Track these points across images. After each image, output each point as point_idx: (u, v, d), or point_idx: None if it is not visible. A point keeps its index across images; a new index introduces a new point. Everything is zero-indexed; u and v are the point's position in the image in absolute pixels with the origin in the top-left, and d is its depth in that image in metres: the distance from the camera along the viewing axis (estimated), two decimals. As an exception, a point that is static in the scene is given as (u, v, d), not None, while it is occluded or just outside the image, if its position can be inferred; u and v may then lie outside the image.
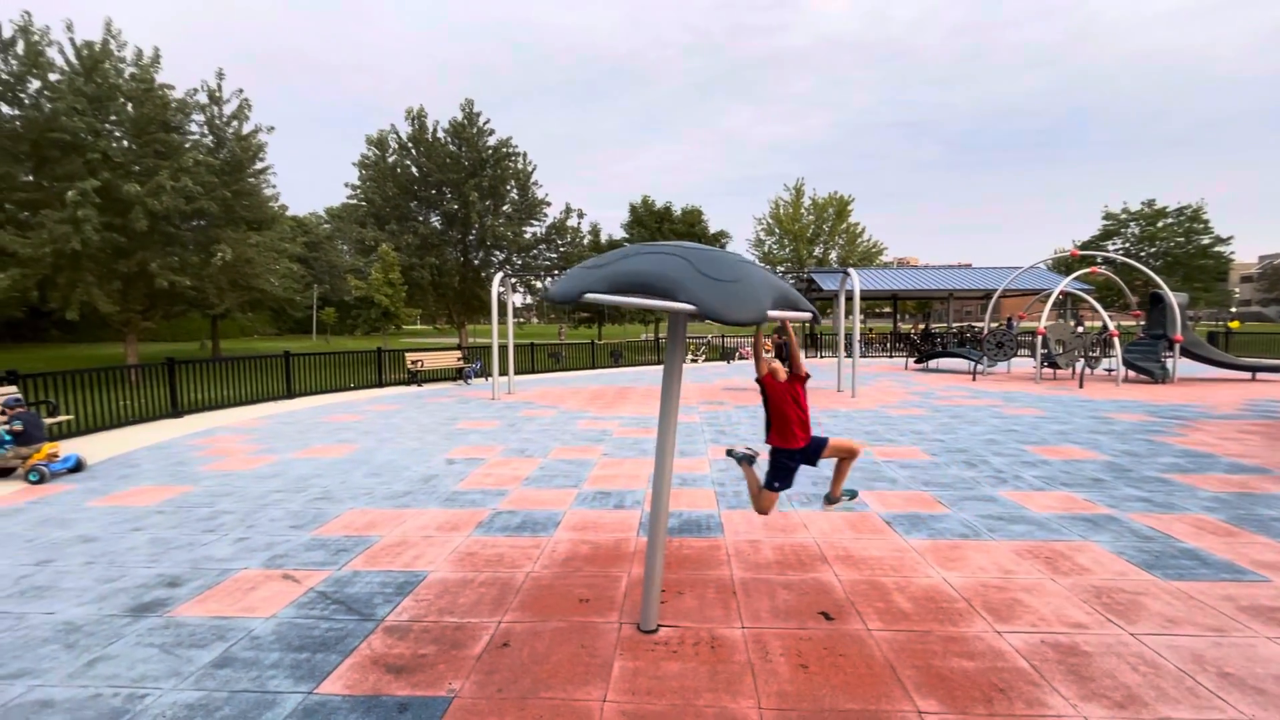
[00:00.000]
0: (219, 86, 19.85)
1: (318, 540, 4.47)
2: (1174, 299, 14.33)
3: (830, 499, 3.70)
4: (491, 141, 25.93)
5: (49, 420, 7.70)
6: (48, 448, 6.49)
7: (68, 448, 7.26)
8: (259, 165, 21.41)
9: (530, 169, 27.08)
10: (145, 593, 3.64)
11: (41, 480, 6.19)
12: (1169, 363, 14.14)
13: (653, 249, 2.73)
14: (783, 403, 3.32)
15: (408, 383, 15.31)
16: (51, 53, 16.69)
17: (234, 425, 9.52)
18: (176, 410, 10.36)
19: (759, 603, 3.43)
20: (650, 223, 43.34)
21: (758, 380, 3.39)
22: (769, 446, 3.43)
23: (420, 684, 2.70)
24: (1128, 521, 4.68)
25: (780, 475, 3.44)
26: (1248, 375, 14.73)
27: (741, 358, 24.34)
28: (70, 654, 2.98)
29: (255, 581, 3.78)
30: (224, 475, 6.41)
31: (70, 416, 8.48)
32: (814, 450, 3.38)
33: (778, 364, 3.41)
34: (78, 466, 6.63)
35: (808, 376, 3.39)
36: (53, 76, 16.65)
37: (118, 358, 25.21)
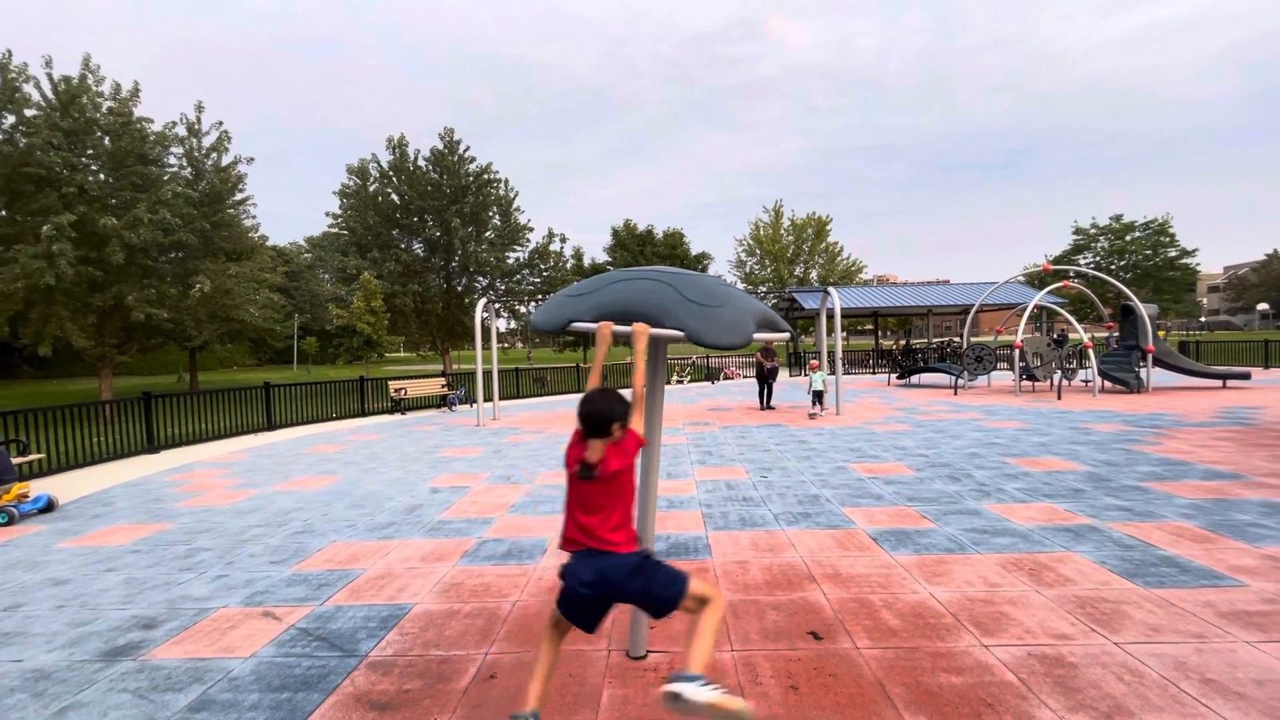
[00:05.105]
0: (198, 119, 19.87)
1: (299, 575, 4.38)
2: (1144, 310, 14.71)
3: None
4: (472, 168, 26.12)
5: (19, 460, 7.50)
6: (18, 488, 6.32)
7: (39, 487, 7.06)
8: (239, 196, 21.35)
9: (512, 195, 27.26)
10: (119, 636, 3.53)
11: (11, 522, 6.01)
12: (1143, 372, 14.45)
13: (636, 275, 2.77)
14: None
15: (391, 411, 15.16)
16: (28, 88, 16.61)
17: (212, 459, 9.34)
18: (153, 446, 10.14)
19: (748, 624, 3.42)
20: (632, 246, 43.77)
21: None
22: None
23: (405, 721, 2.64)
24: (1108, 531, 4.75)
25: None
26: (1218, 383, 15.10)
27: (727, 378, 24.45)
28: (39, 703, 2.87)
29: (234, 620, 3.69)
30: (202, 511, 6.27)
31: (42, 455, 8.26)
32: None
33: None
34: (49, 506, 6.45)
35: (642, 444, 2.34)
36: (29, 112, 16.54)
37: (92, 393, 24.68)
